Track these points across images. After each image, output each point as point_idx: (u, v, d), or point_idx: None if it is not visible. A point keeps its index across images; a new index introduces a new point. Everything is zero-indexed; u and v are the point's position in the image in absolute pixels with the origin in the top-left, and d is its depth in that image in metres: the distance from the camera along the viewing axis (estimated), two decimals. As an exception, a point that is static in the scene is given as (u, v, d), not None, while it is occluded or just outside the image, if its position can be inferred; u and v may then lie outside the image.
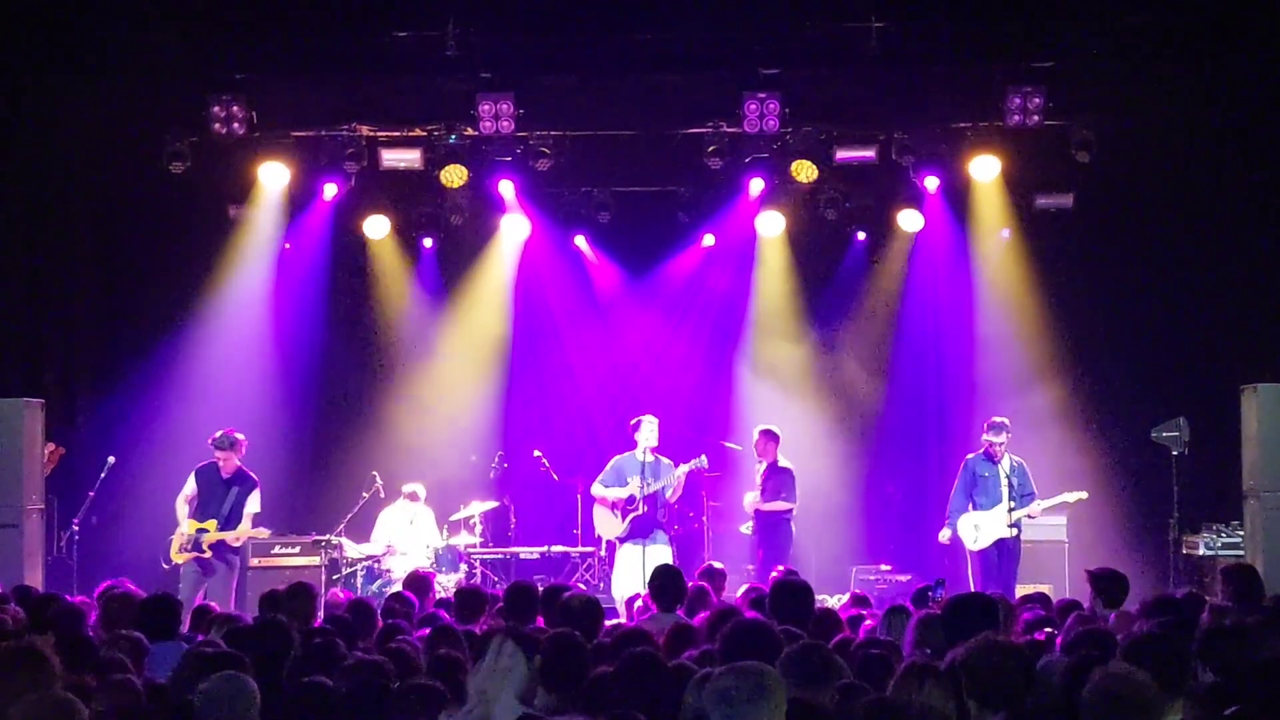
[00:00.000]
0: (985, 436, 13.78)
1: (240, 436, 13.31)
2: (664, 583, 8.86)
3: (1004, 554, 13.60)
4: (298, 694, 5.59)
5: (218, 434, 13.26)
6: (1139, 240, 15.48)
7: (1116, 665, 5.06)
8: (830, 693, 5.58)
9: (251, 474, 13.34)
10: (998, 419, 13.90)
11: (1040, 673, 5.82)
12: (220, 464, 13.15)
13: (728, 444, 14.71)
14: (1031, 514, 13.70)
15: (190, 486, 13.24)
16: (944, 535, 13.96)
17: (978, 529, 13.68)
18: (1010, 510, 13.56)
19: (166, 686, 6.46)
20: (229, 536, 13.05)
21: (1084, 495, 13.91)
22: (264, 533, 13.69)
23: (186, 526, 13.08)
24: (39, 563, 13.32)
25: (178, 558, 13.09)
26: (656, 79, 14.43)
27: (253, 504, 13.20)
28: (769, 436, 14.44)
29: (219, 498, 13.12)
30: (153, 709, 6.17)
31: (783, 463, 14.36)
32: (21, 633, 7.75)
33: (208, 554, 13.02)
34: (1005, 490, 13.61)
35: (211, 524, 13.04)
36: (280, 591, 9.28)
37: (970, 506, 13.80)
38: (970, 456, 13.90)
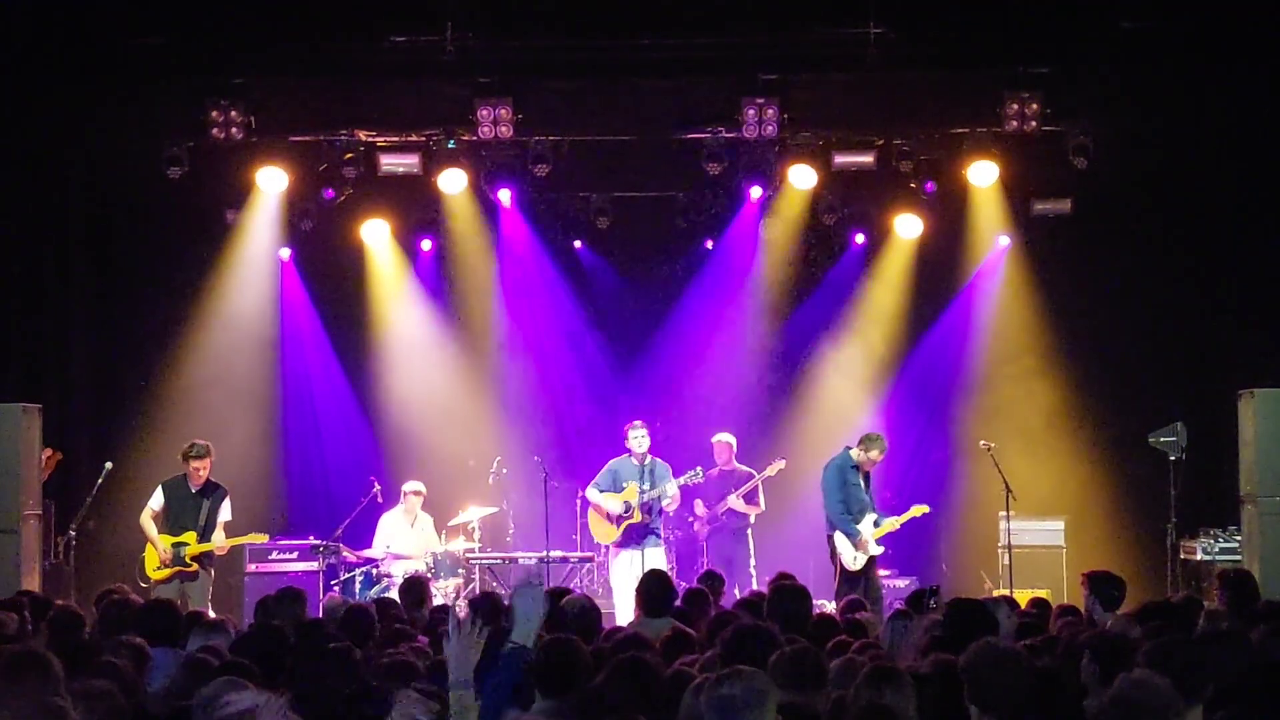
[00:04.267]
0: (867, 453, 13.43)
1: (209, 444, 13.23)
2: (652, 588, 8.85)
3: (870, 569, 13.33)
4: (305, 695, 5.59)
5: (193, 445, 13.11)
6: (1137, 245, 15.48)
7: (1140, 672, 5.06)
8: (822, 697, 5.58)
9: (219, 483, 13.25)
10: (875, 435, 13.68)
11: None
12: (190, 475, 13.03)
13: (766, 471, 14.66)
14: (890, 530, 13.48)
15: (158, 501, 13.03)
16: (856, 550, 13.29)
17: (858, 546, 13.27)
18: (875, 525, 13.35)
19: (166, 692, 6.46)
20: (213, 547, 12.98)
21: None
22: (261, 537, 13.67)
23: (161, 542, 12.95)
24: (35, 568, 13.29)
25: (158, 575, 12.86)
26: (655, 84, 14.44)
27: (225, 512, 13.09)
28: (727, 444, 14.59)
29: (193, 510, 12.95)
30: (151, 715, 6.17)
31: (745, 468, 14.50)
32: (21, 637, 7.75)
33: (193, 567, 12.92)
34: (872, 500, 13.45)
35: (190, 536, 12.90)
36: (271, 596, 9.27)
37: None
38: (839, 459, 13.46)
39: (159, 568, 12.88)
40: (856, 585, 12.80)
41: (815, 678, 5.67)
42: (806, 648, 6.00)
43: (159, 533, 12.92)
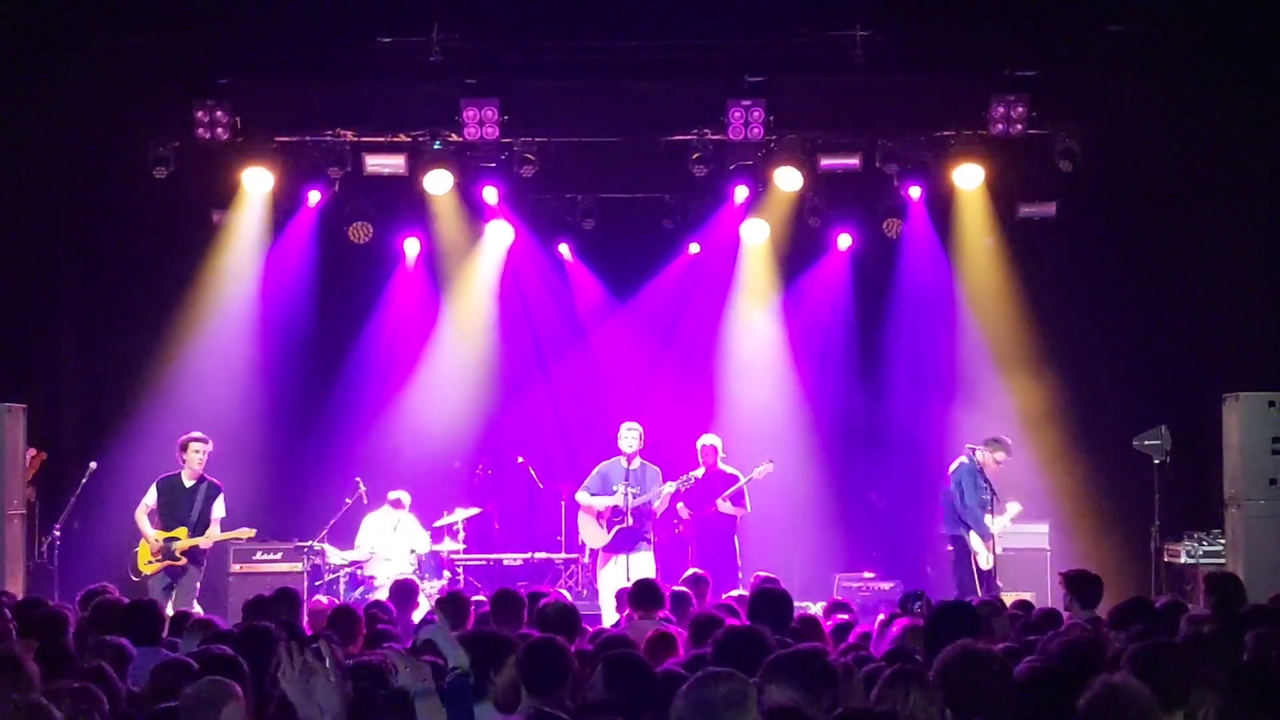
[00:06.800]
0: (993, 454, 13.70)
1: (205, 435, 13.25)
2: (644, 590, 8.91)
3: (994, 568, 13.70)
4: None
5: (191, 433, 13.16)
6: (1121, 249, 15.53)
7: (1117, 675, 5.02)
8: (829, 700, 5.48)
9: (213, 479, 13.26)
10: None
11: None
12: (187, 464, 13.06)
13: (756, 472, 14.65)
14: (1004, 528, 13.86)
15: (151, 498, 13.10)
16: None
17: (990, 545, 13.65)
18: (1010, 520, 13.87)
19: (147, 692, 6.45)
20: (202, 542, 12.98)
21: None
22: (249, 532, 13.62)
23: (154, 536, 12.97)
24: (20, 568, 13.27)
25: (149, 569, 12.95)
26: (641, 86, 14.44)
27: (219, 508, 13.13)
28: (713, 447, 14.58)
29: (186, 504, 13.02)
30: (133, 715, 6.16)
31: (731, 470, 14.53)
32: (5, 638, 7.73)
33: (182, 561, 12.92)
34: (993, 500, 13.65)
35: (181, 531, 12.93)
36: (264, 597, 9.29)
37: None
38: (966, 464, 13.74)
39: (149, 561, 12.93)
40: (987, 583, 13.05)
41: (826, 681, 5.56)
42: (818, 649, 5.92)
43: (154, 527, 12.95)
